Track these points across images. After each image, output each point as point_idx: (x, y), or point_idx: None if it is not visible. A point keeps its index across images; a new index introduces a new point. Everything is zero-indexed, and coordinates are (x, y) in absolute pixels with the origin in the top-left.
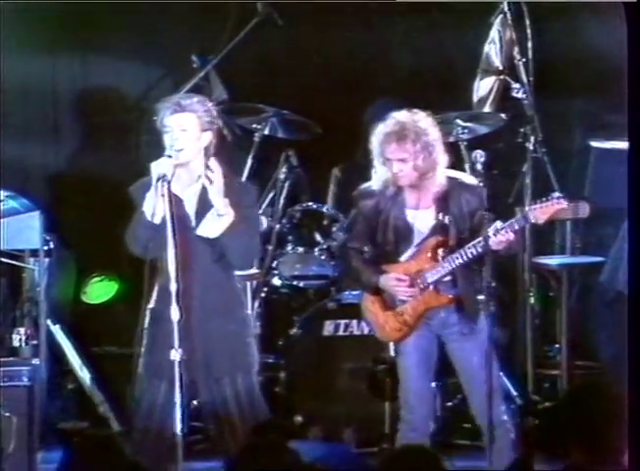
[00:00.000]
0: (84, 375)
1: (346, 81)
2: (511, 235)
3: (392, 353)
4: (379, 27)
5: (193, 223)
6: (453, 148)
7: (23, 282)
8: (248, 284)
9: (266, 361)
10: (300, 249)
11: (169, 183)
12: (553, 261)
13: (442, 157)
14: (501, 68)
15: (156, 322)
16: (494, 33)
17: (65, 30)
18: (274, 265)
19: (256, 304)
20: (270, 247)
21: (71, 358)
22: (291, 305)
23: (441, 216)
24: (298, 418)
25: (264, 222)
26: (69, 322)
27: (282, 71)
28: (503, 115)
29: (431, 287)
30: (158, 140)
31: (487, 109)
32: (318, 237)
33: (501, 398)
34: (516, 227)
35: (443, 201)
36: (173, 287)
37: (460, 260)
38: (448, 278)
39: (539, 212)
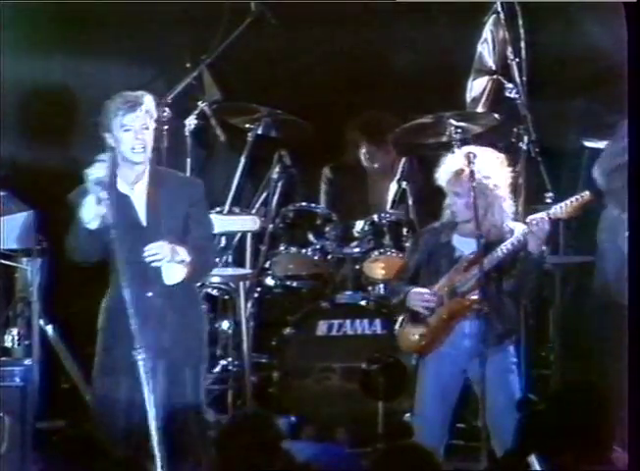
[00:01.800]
0: (78, 375)
1: (341, 82)
2: (546, 228)
3: (413, 362)
4: (374, 27)
5: (143, 220)
6: (446, 148)
7: (15, 282)
8: (242, 284)
9: (259, 361)
10: (294, 249)
11: (109, 185)
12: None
13: (502, 204)
14: (494, 68)
15: (111, 320)
16: (487, 33)
17: (56, 31)
18: (267, 265)
19: (249, 304)
20: (263, 247)
21: (63, 358)
22: (284, 305)
23: (487, 247)
24: (292, 418)
25: (257, 222)
26: (62, 322)
27: (275, 70)
28: (496, 115)
29: (456, 296)
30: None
31: (480, 109)
32: (311, 237)
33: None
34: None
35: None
36: (126, 292)
37: (491, 264)
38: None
39: (564, 209)
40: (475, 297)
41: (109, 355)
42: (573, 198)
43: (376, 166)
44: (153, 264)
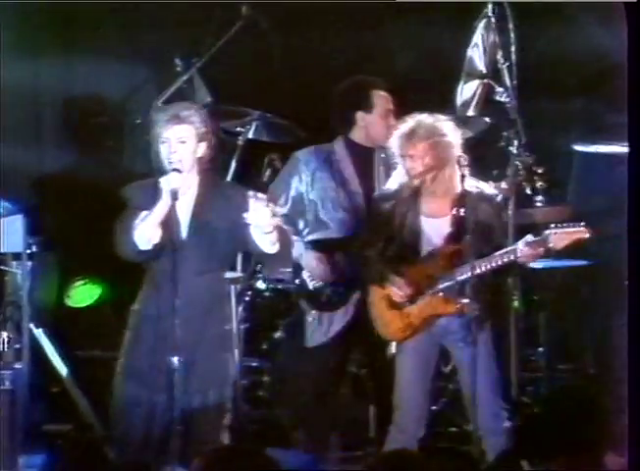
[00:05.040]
0: (67, 379)
1: (332, 84)
2: (542, 250)
3: (393, 351)
4: (368, 29)
5: (184, 234)
6: None
7: (5, 285)
8: (232, 287)
9: (250, 365)
10: None
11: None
12: (536, 264)
13: (459, 164)
14: (484, 71)
15: (141, 324)
16: (477, 37)
17: (48, 32)
18: (258, 268)
19: (240, 308)
20: None
21: (54, 362)
22: (275, 309)
23: (456, 225)
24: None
25: None
26: (52, 326)
27: (266, 74)
28: (486, 118)
29: (440, 293)
30: (143, 144)
31: (470, 113)
32: None
33: (501, 405)
34: (545, 244)
35: (459, 210)
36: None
37: (481, 270)
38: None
39: (557, 237)
40: (465, 301)
41: (136, 358)
42: (570, 228)
43: None
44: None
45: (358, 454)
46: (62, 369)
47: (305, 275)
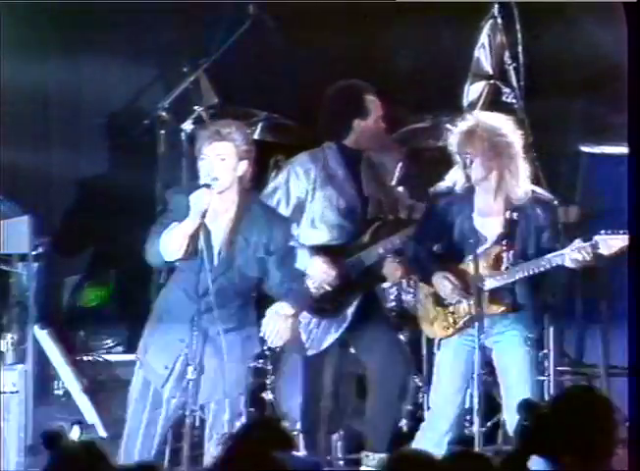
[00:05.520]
0: (72, 380)
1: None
2: (590, 257)
3: (435, 350)
4: (373, 29)
5: (215, 255)
6: (443, 152)
7: (11, 286)
8: None
9: (254, 366)
10: None
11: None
12: None
13: (518, 165)
14: (491, 72)
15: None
16: (484, 38)
17: (56, 33)
18: None
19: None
20: None
21: (59, 364)
22: None
23: (510, 226)
24: (285, 423)
25: None
26: (57, 327)
27: (273, 74)
28: None
29: (487, 293)
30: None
31: None
32: None
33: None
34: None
35: (514, 211)
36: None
37: (529, 272)
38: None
39: (607, 244)
40: (507, 305)
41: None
42: (621, 235)
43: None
44: (275, 344)
45: (361, 456)
46: (66, 371)
47: (309, 282)
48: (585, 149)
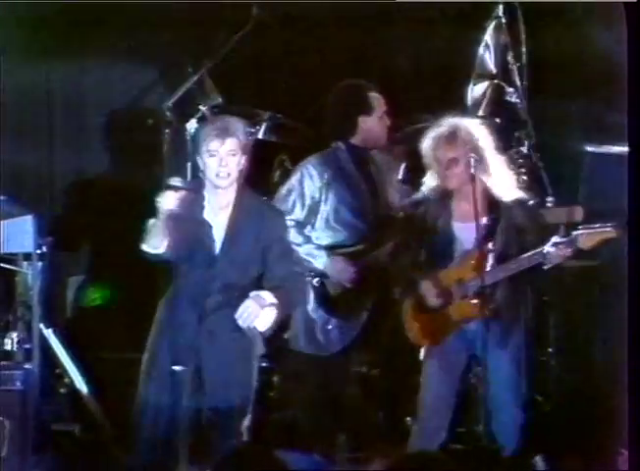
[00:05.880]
0: (77, 379)
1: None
2: (570, 251)
3: (421, 357)
4: (374, 28)
5: (217, 249)
6: None
7: (16, 285)
8: None
9: (260, 365)
10: None
11: (190, 212)
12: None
13: (495, 168)
14: (494, 72)
15: (163, 330)
16: (488, 38)
17: (59, 33)
18: None
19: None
20: None
21: (64, 362)
22: None
23: (488, 229)
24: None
25: None
26: (62, 326)
27: (276, 74)
28: (497, 119)
29: (470, 297)
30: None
31: (481, 113)
32: None
33: (522, 408)
34: (573, 245)
35: (492, 214)
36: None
37: (510, 272)
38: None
39: (585, 238)
40: (490, 308)
41: (159, 360)
42: (599, 229)
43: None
44: (247, 325)
45: (367, 455)
46: (72, 369)
47: (327, 283)
48: (589, 149)
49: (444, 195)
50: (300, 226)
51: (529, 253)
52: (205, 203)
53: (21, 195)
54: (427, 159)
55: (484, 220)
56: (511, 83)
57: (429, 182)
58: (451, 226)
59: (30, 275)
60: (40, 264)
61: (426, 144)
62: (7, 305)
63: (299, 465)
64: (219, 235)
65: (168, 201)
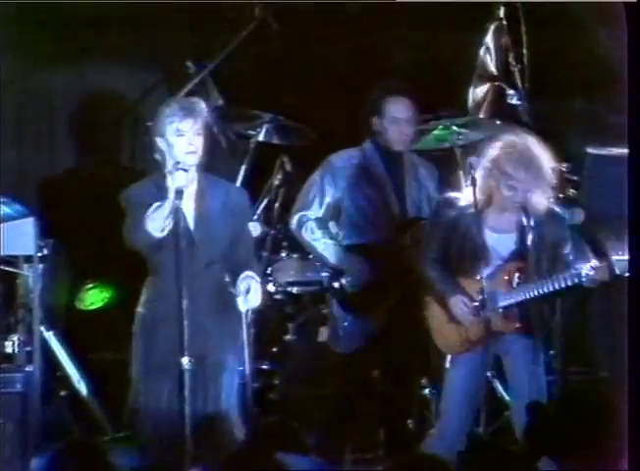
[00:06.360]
0: (78, 381)
1: (344, 87)
2: (607, 276)
3: (447, 365)
4: (375, 29)
5: (191, 225)
6: (444, 154)
7: (16, 288)
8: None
9: (261, 368)
10: (295, 255)
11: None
12: None
13: (548, 183)
14: (495, 74)
15: (148, 326)
16: (489, 40)
17: (61, 36)
18: (268, 271)
19: (251, 311)
20: (265, 253)
21: (65, 365)
22: (285, 311)
23: (523, 242)
24: (295, 424)
25: (258, 228)
26: (63, 328)
27: (278, 76)
28: (498, 121)
29: (500, 310)
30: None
31: (482, 115)
32: None
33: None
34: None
35: (526, 227)
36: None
37: (544, 291)
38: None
39: (624, 264)
40: (521, 324)
41: (146, 361)
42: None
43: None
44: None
45: (370, 457)
46: (72, 372)
47: (344, 279)
48: (590, 150)
49: (479, 204)
50: (319, 221)
51: (565, 274)
52: (168, 184)
53: (22, 198)
54: (490, 170)
55: (517, 232)
56: (512, 85)
57: (471, 189)
58: (483, 234)
59: (31, 277)
60: (41, 266)
61: (499, 156)
62: (8, 308)
63: (299, 466)
64: (189, 211)
65: (179, 180)
